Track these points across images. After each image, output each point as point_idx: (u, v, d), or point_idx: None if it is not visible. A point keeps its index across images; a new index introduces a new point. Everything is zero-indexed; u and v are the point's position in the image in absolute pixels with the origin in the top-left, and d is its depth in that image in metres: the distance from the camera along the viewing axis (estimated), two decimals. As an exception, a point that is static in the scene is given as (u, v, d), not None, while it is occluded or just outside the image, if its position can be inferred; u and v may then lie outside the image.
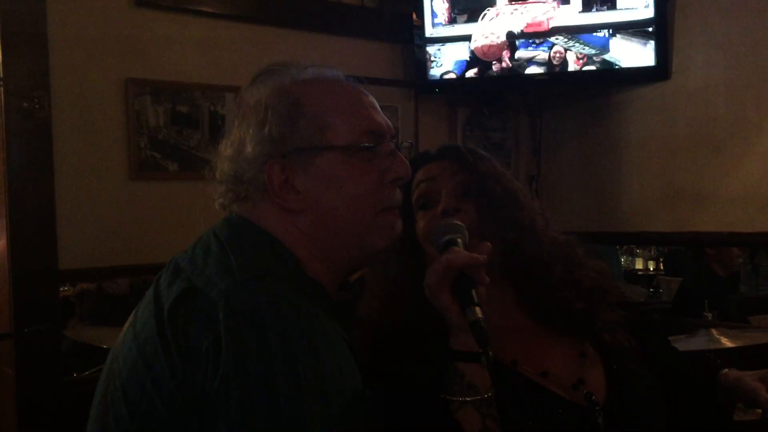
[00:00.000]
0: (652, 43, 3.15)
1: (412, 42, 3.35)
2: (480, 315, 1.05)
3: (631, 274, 6.65)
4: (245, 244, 1.00)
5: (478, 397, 1.09)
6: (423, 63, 3.34)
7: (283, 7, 3.07)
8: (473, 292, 1.08)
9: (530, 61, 3.27)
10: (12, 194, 2.44)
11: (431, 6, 3.31)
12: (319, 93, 1.04)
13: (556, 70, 3.24)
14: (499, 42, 3.28)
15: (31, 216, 2.46)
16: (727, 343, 2.62)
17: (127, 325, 1.02)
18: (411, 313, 1.23)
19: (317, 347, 0.88)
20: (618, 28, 3.16)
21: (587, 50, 3.21)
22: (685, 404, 1.33)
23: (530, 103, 3.80)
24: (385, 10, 3.37)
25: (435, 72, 3.35)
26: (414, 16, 3.34)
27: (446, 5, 3.31)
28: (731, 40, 3.07)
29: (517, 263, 1.29)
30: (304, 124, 1.01)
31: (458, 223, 1.20)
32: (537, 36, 3.24)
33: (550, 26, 3.21)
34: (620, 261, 6.49)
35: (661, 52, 3.16)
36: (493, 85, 3.40)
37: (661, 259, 6.70)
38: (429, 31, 3.33)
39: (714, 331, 2.69)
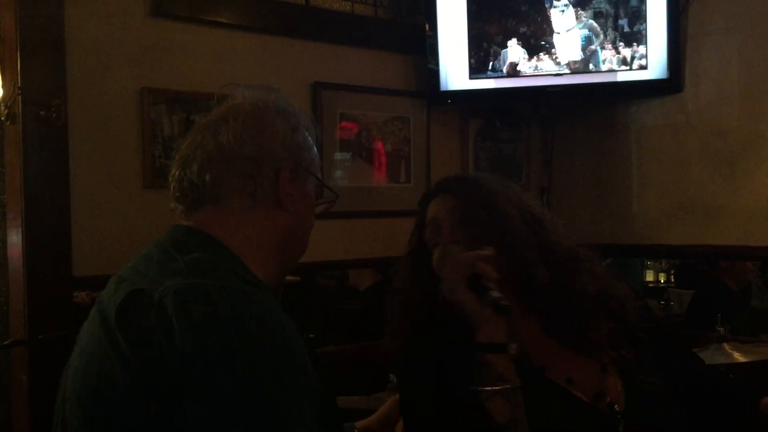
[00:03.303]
0: (664, 56, 3.15)
1: (425, 53, 3.36)
2: (497, 295, 1.18)
3: (642, 287, 6.62)
4: (191, 246, 1.04)
5: (507, 386, 1.16)
6: (435, 74, 3.35)
7: (297, 17, 3.09)
8: (486, 282, 1.21)
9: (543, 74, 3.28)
10: (28, 201, 2.46)
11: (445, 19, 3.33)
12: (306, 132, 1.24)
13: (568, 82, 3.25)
14: (512, 61, 3.30)
15: (47, 223, 2.48)
16: (739, 357, 2.61)
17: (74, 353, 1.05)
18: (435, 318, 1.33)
19: (271, 327, 0.91)
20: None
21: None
22: (720, 426, 1.36)
23: (542, 115, 3.80)
24: (398, 22, 3.39)
25: (447, 83, 3.37)
26: (427, 27, 3.35)
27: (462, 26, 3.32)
28: (744, 53, 3.07)
29: (537, 297, 1.32)
30: (308, 154, 1.20)
31: (459, 245, 1.31)
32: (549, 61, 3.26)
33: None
34: (642, 273, 6.48)
35: (673, 65, 3.16)
36: (505, 96, 3.41)
37: (672, 272, 6.67)
38: (442, 43, 3.34)
39: (726, 346, 2.68)
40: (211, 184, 1.08)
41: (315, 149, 1.21)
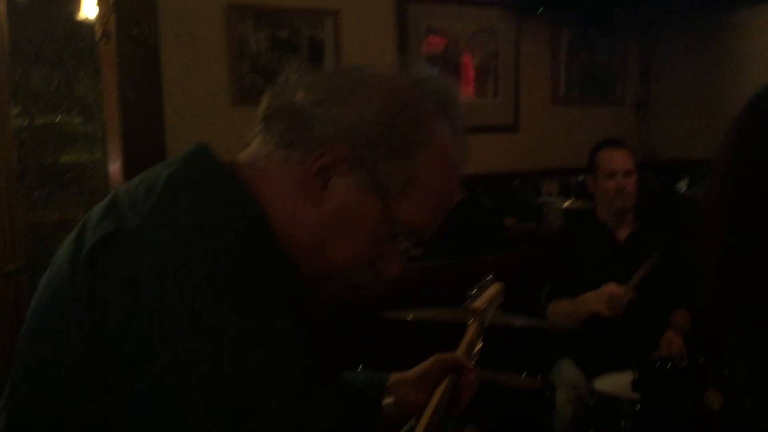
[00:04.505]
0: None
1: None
2: None
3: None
4: (208, 189, 0.84)
5: None
6: (526, -19, 3.19)
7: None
8: None
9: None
10: (125, 119, 2.55)
11: None
12: (437, 165, 0.89)
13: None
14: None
15: (143, 139, 2.57)
16: None
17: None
18: None
19: (253, 333, 0.74)
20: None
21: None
22: None
23: (641, 21, 3.57)
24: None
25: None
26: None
27: None
28: None
29: None
30: (398, 164, 0.87)
31: None
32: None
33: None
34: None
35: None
36: (601, 2, 3.21)
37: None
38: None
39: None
40: (287, 131, 0.88)
41: (429, 179, 0.88)
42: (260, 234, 0.84)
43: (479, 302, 1.53)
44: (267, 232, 0.85)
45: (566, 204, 3.34)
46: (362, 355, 1.35)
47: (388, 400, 1.19)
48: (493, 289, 1.61)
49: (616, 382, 2.25)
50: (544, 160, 3.50)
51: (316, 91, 0.88)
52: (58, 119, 3.69)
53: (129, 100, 2.54)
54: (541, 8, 3.26)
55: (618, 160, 2.63)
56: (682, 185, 3.62)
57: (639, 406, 2.05)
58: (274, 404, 0.75)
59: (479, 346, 1.43)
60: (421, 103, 0.89)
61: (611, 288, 2.41)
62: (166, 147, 2.60)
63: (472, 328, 1.45)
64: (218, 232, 0.79)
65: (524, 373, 2.24)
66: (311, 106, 0.87)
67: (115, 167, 2.70)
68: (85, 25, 3.34)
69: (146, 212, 0.80)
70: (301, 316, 0.85)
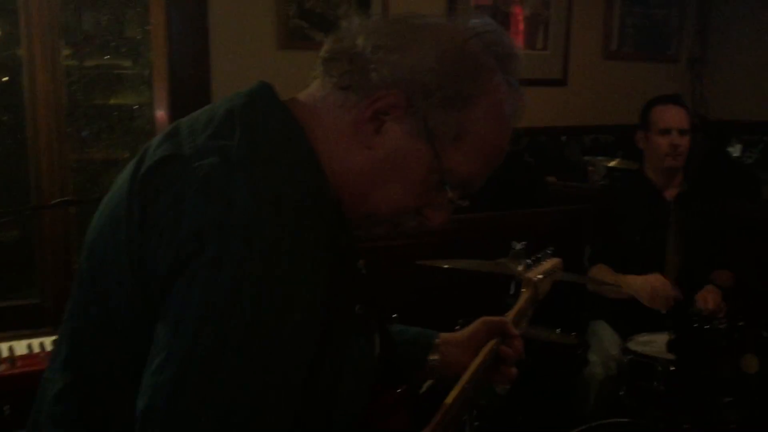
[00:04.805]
0: None
1: None
2: None
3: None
4: (263, 123, 0.86)
5: None
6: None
7: None
8: None
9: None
10: (171, 61, 2.57)
11: None
12: (490, 119, 0.89)
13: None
14: None
15: (189, 82, 2.59)
16: None
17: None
18: None
19: (288, 276, 0.76)
20: None
21: None
22: None
23: (701, -25, 3.44)
24: None
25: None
26: None
27: None
28: None
29: None
30: (452, 114, 0.87)
31: None
32: None
33: None
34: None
35: None
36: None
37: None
38: None
39: None
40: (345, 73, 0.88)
41: (480, 130, 0.89)
42: (308, 170, 0.85)
43: (534, 273, 1.52)
44: (316, 169, 0.86)
45: (612, 163, 3.27)
46: (396, 302, 1.36)
47: (434, 357, 1.22)
48: (550, 263, 1.60)
49: (650, 343, 2.23)
50: (591, 116, 3.43)
51: (377, 37, 0.88)
52: (107, 61, 3.74)
53: (176, 42, 2.56)
54: (597, -42, 3.16)
55: (674, 117, 2.55)
56: (736, 149, 3.51)
57: (673, 367, 2.03)
58: (289, 313, 0.76)
59: (527, 317, 1.42)
60: (480, 55, 0.89)
61: (657, 281, 2.34)
62: (211, 90, 2.62)
63: (524, 297, 1.44)
64: (267, 162, 0.81)
65: (558, 329, 2.24)
66: (371, 51, 0.87)
67: (161, 110, 2.73)
68: (135, -35, 3.35)
69: (202, 140, 0.83)
70: (339, 254, 0.85)
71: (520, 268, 1.77)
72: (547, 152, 3.62)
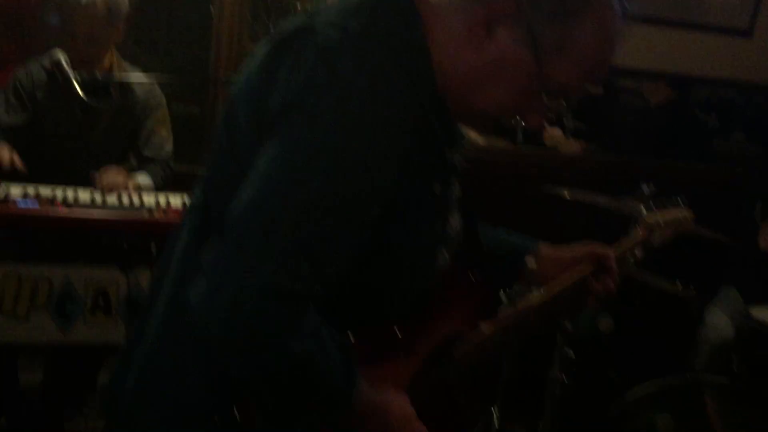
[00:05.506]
0: None
1: None
2: None
3: None
4: (386, 9, 0.94)
5: None
6: None
7: None
8: None
9: None
10: None
11: None
12: (593, 34, 0.94)
13: None
14: None
15: None
16: None
17: None
18: None
19: (365, 138, 0.87)
20: None
21: None
22: None
23: None
24: None
25: None
26: None
27: None
28: None
29: None
30: (557, 26, 0.93)
31: None
32: None
33: None
34: None
35: None
36: None
37: None
38: None
39: None
40: None
41: (584, 41, 0.94)
42: (415, 58, 0.94)
43: (655, 218, 1.48)
44: (423, 59, 0.95)
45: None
46: (508, 222, 1.39)
47: (530, 263, 1.29)
48: (677, 212, 1.55)
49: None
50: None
51: None
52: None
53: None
54: None
55: None
56: None
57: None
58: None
59: (634, 259, 1.41)
60: None
61: None
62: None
63: (636, 237, 1.43)
64: (378, 44, 0.90)
65: (678, 282, 2.18)
66: None
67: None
68: None
69: (332, 17, 0.93)
70: (429, 138, 0.96)
71: (640, 207, 1.73)
72: (726, 107, 3.37)
